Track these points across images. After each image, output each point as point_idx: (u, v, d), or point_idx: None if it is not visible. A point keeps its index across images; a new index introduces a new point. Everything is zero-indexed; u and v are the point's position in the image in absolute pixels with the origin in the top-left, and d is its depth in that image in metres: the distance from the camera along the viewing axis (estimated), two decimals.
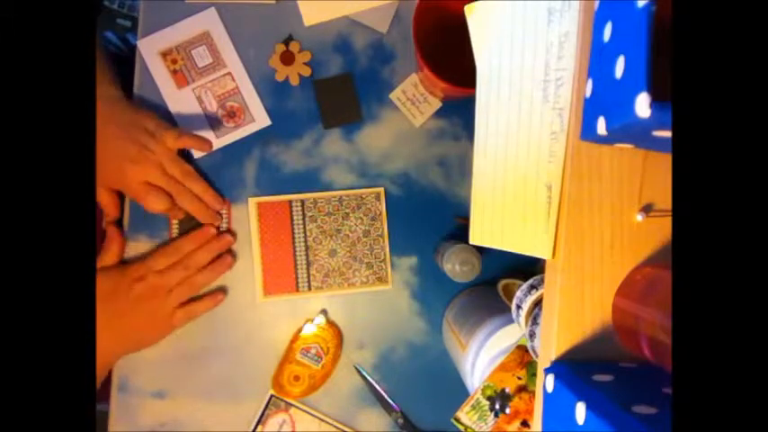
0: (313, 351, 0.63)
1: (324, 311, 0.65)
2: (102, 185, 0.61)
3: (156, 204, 0.59)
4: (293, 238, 0.65)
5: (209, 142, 0.61)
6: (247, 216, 0.64)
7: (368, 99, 0.65)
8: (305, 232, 0.65)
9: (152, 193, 0.59)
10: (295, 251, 0.65)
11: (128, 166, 0.58)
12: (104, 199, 0.62)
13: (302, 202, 0.65)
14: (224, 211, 0.65)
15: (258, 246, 0.64)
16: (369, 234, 0.65)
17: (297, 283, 0.65)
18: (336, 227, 0.65)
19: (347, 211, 0.65)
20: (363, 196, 0.65)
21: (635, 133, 0.27)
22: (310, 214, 0.65)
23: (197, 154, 0.64)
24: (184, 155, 0.63)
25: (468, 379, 0.53)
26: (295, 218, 0.65)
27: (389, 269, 0.65)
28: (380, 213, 0.65)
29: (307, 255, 0.65)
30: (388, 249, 0.65)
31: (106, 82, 0.61)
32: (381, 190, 0.65)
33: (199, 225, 0.63)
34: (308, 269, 0.65)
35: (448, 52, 0.52)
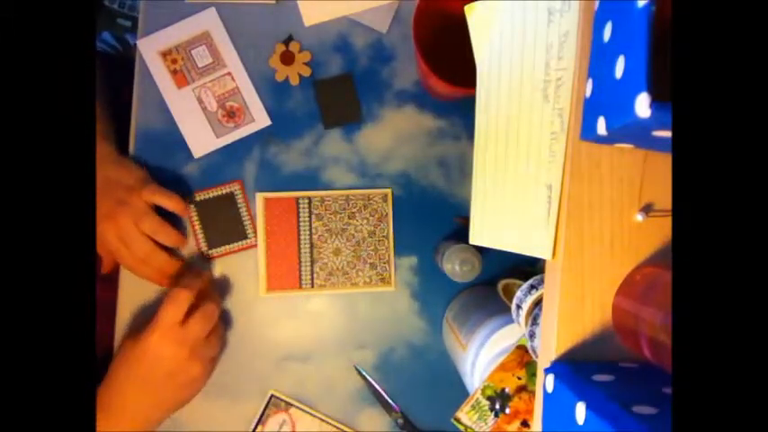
0: None
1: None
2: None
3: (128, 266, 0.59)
4: (299, 234, 0.65)
5: (185, 207, 0.60)
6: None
7: (368, 99, 0.65)
8: (310, 230, 0.65)
9: (125, 255, 0.58)
10: (300, 248, 0.65)
11: (101, 224, 0.57)
12: (100, 249, 0.60)
13: (309, 199, 0.65)
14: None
15: (263, 241, 0.64)
16: (374, 234, 0.65)
17: (300, 279, 0.65)
18: (342, 226, 0.65)
19: (353, 210, 0.65)
20: (370, 196, 0.65)
21: (635, 133, 0.27)
22: (317, 212, 0.65)
23: (197, 153, 0.64)
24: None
25: (468, 379, 0.53)
26: (301, 215, 0.65)
27: (393, 271, 0.65)
28: (387, 214, 0.65)
29: (311, 252, 0.65)
30: (392, 251, 0.65)
31: (99, 138, 0.60)
32: (389, 191, 0.65)
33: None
34: (311, 267, 0.65)
35: (448, 52, 0.52)
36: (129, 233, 0.57)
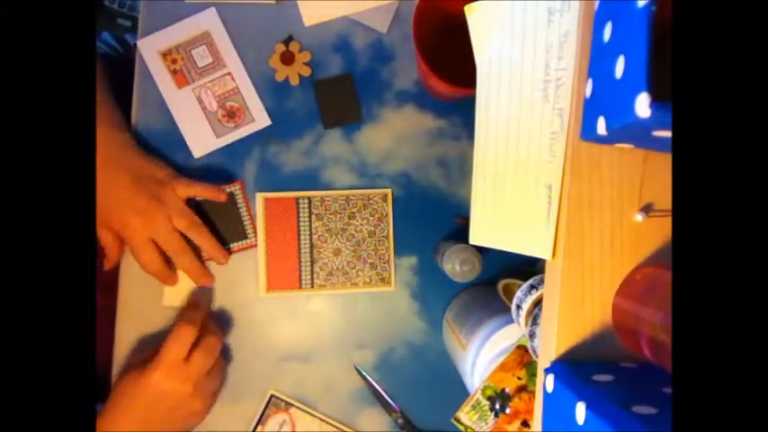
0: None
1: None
2: (107, 227, 0.59)
3: (148, 266, 0.59)
4: (299, 235, 0.65)
5: (222, 192, 0.60)
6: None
7: (368, 99, 0.65)
8: (310, 230, 0.65)
9: (148, 253, 0.58)
10: (300, 248, 0.65)
11: (133, 218, 0.57)
12: (108, 240, 0.60)
13: (309, 199, 0.65)
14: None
15: (263, 241, 0.64)
16: (374, 234, 0.65)
17: (300, 280, 0.65)
18: (342, 226, 0.65)
19: (353, 210, 0.65)
20: (370, 196, 0.65)
21: (635, 133, 0.27)
22: (317, 212, 0.65)
23: (197, 153, 0.64)
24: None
25: (468, 379, 0.53)
26: (301, 215, 0.65)
27: (393, 271, 0.65)
28: (387, 214, 0.65)
29: (311, 252, 0.65)
30: (392, 251, 0.65)
31: (117, 126, 0.60)
32: (389, 191, 0.65)
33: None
34: (311, 267, 0.65)
35: (448, 52, 0.52)
36: (161, 230, 0.57)
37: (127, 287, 0.64)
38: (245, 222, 0.65)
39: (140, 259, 0.59)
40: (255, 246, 0.65)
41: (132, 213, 0.57)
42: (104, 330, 0.64)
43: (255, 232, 0.65)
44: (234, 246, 0.65)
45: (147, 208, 0.57)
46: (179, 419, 0.57)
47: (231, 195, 0.65)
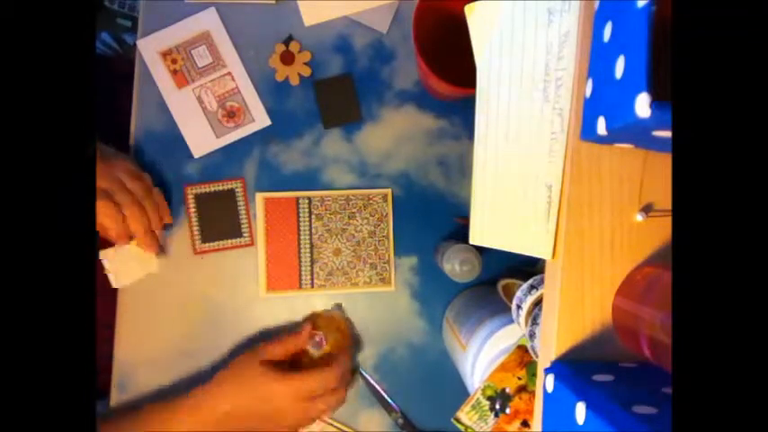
0: (317, 338, 0.62)
1: (339, 306, 0.66)
2: None
3: (101, 216, 0.57)
4: (299, 235, 0.65)
5: (167, 217, 0.61)
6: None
7: (368, 99, 0.65)
8: (311, 230, 0.65)
9: (101, 204, 0.56)
10: (300, 248, 0.65)
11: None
12: None
13: (309, 199, 0.65)
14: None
15: (263, 241, 0.64)
16: (374, 235, 0.65)
17: (300, 280, 0.65)
18: (342, 226, 0.65)
19: (354, 210, 0.65)
20: (370, 197, 0.65)
21: (635, 133, 0.27)
22: (317, 212, 0.65)
23: (197, 153, 0.64)
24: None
25: (468, 379, 0.53)
26: (301, 215, 0.65)
27: (393, 271, 0.65)
28: (387, 214, 0.65)
29: (311, 252, 0.65)
30: (392, 251, 0.65)
31: None
32: (389, 191, 0.65)
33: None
34: (311, 267, 0.65)
35: (448, 52, 0.52)
36: (110, 183, 0.56)
37: (127, 288, 0.64)
38: (243, 221, 0.65)
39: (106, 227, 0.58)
40: (250, 245, 0.65)
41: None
42: (104, 331, 0.64)
43: (251, 231, 0.65)
44: (227, 243, 0.65)
45: (101, 198, 0.56)
46: (265, 428, 0.57)
47: (232, 192, 0.65)
